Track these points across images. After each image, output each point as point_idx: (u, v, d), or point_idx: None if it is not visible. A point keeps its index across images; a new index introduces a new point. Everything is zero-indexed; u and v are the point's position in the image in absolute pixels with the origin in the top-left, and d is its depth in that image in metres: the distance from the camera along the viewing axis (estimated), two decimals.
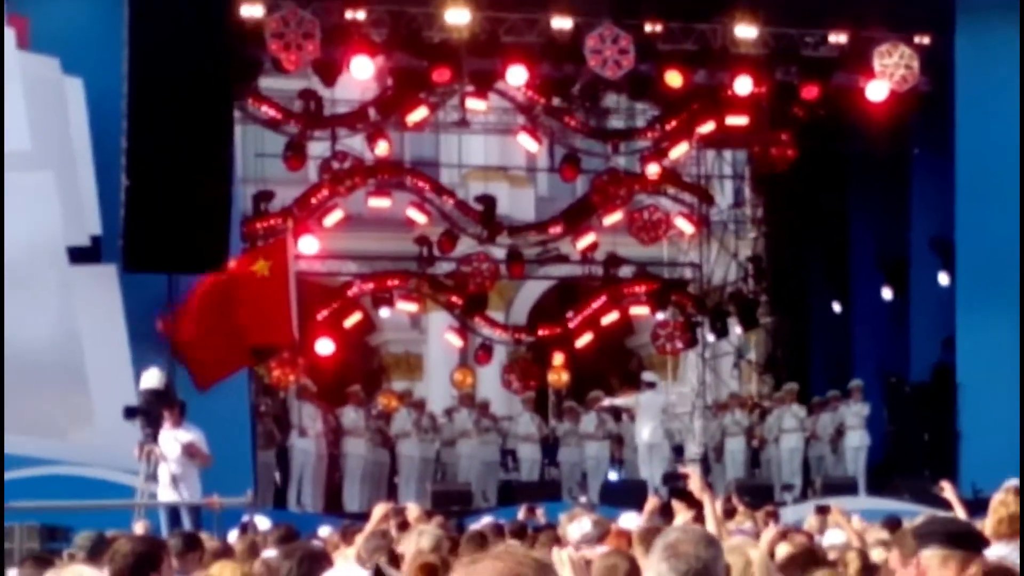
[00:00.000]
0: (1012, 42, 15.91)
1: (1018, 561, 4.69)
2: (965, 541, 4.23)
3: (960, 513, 8.42)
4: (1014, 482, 7.81)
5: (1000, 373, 16.06)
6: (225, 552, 7.82)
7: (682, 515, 8.26)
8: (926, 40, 16.62)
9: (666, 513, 8.84)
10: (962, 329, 16.71)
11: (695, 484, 8.02)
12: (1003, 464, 12.90)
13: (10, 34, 13.44)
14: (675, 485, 14.04)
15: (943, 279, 18.01)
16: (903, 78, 16.59)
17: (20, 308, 13.23)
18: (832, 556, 6.56)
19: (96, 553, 7.12)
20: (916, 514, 10.39)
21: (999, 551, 5.21)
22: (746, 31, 16.92)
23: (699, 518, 7.86)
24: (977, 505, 8.70)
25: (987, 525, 6.44)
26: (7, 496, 11.44)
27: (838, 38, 16.80)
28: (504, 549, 2.57)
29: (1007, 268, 15.87)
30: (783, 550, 6.53)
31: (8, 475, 12.36)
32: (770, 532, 7.07)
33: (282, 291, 13.80)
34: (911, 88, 16.72)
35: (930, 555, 4.12)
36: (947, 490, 8.89)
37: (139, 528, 10.09)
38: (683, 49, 17.04)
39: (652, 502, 8.97)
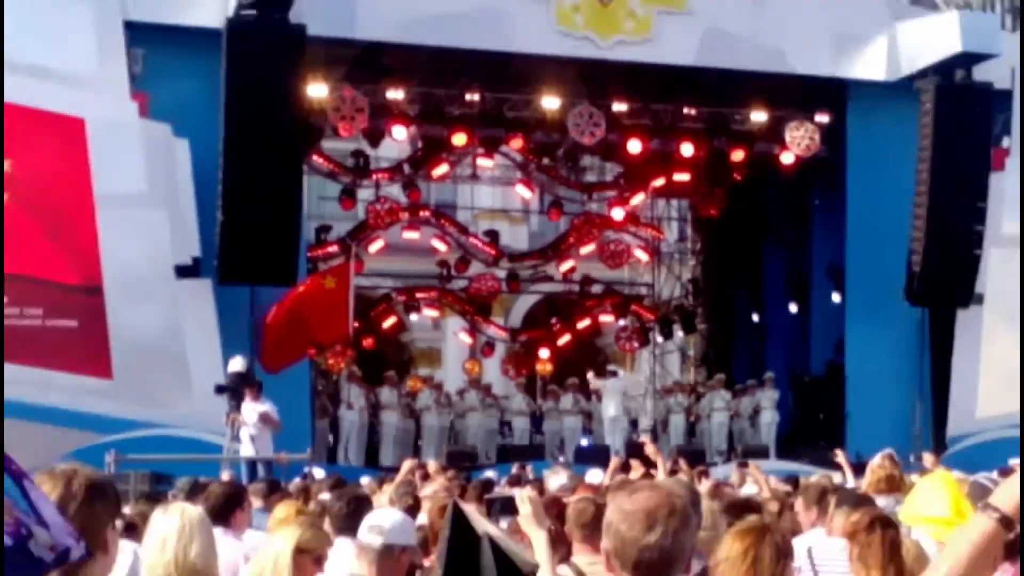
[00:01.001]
0: (890, 119, 15.97)
1: (895, 511, 4.64)
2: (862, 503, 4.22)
3: (848, 473, 8.41)
4: (888, 450, 7.74)
5: (877, 369, 16.08)
6: (287, 495, 7.76)
7: (637, 471, 8.22)
8: (825, 118, 16.63)
9: (625, 470, 8.78)
10: (849, 335, 16.67)
11: (650, 449, 7.99)
12: (880, 437, 12.85)
13: (134, 106, 13.44)
14: (633, 450, 13.94)
15: (836, 297, 17.97)
16: (807, 147, 16.57)
17: (140, 312, 13.24)
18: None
19: (192, 494, 7.04)
20: (813, 473, 10.34)
21: (880, 503, 5.17)
22: (689, 110, 16.94)
23: (647, 475, 7.81)
24: (860, 467, 8.64)
25: (866, 483, 6.40)
26: (128, 450, 11.42)
27: (759, 116, 16.79)
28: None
29: (885, 290, 15.88)
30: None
31: (127, 435, 12.34)
32: (707, 485, 7.02)
33: (344, 301, 13.86)
34: (813, 154, 16.70)
35: (840, 513, 4.13)
36: (839, 456, 8.88)
37: (225, 476, 10.03)
38: (642, 123, 17.01)
39: (614, 462, 8.90)
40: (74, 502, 2.06)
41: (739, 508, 4.74)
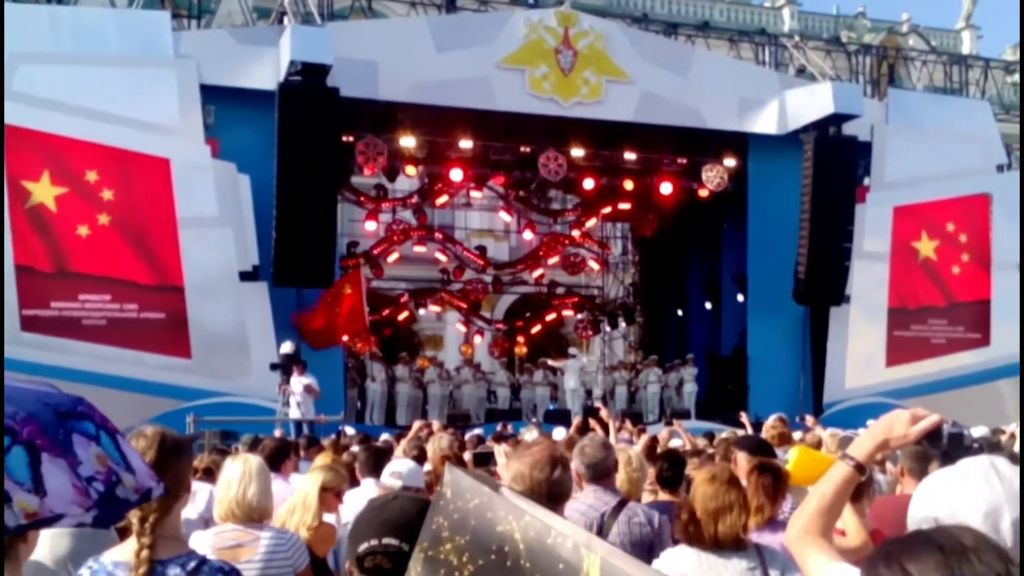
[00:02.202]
0: (780, 163, 16.10)
1: (783, 460, 4.66)
2: (759, 449, 4.23)
3: (750, 430, 8.48)
4: (779, 413, 7.79)
5: (771, 351, 16.19)
6: (322, 448, 7.70)
7: (594, 431, 8.25)
8: (732, 162, 16.71)
9: (583, 429, 8.80)
10: (750, 326, 16.74)
11: (604, 413, 8.00)
12: (773, 403, 12.98)
13: (207, 149, 13.33)
14: (588, 413, 13.95)
15: (740, 298, 18.03)
16: (718, 183, 16.64)
17: (212, 307, 13.14)
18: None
19: (253, 447, 7.02)
20: (724, 431, 10.41)
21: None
22: (629, 155, 16.98)
23: (604, 433, 7.83)
24: (758, 426, 8.70)
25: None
26: (203, 413, 11.32)
27: (682, 160, 16.85)
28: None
29: (777, 292, 16.00)
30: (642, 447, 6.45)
31: (203, 402, 12.25)
32: (643, 439, 7.05)
33: (360, 301, 13.74)
34: (723, 189, 16.78)
35: (741, 456, 4.14)
36: (743, 417, 8.93)
37: (277, 433, 9.98)
38: (594, 165, 17.02)
39: (575, 422, 8.93)
40: (169, 456, 2.11)
41: (665, 455, 4.77)
